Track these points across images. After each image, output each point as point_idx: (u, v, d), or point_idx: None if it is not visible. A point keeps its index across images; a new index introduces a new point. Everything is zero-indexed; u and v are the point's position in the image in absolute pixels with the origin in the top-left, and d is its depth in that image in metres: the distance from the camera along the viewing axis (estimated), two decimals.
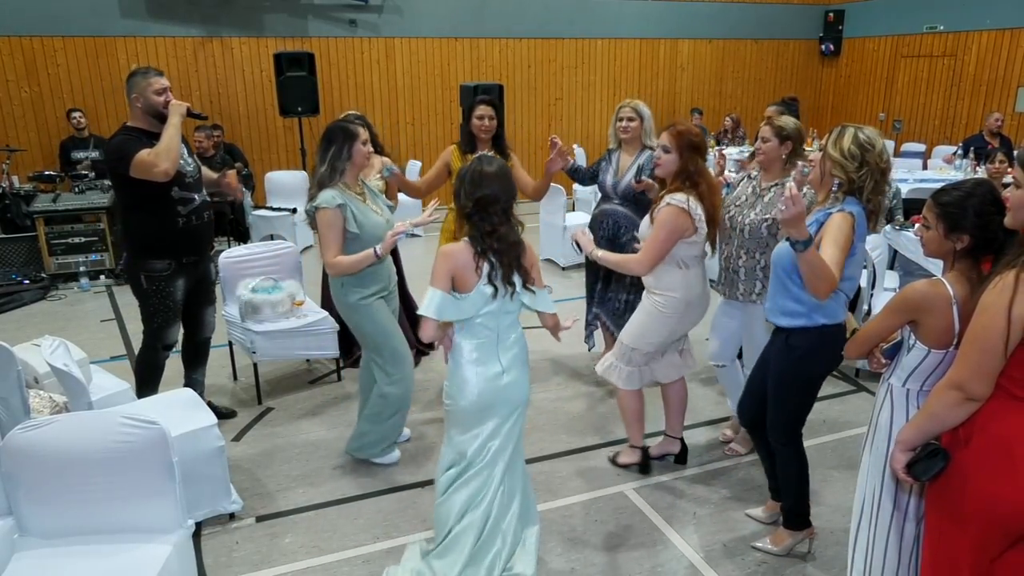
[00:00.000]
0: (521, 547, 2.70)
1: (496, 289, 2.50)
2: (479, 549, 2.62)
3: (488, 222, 2.49)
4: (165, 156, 3.37)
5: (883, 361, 2.26)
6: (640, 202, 3.88)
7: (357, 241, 3.29)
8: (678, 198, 3.03)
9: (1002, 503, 1.82)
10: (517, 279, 2.55)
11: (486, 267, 2.50)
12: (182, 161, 3.56)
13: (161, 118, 3.48)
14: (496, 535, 2.64)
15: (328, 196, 3.22)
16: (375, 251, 3.24)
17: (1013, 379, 1.81)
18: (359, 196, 3.37)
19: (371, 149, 3.42)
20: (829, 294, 2.49)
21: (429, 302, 2.47)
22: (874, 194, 2.55)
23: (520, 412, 2.70)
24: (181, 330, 3.87)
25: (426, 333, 2.50)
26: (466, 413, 2.61)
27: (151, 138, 3.45)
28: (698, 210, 3.03)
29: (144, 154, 3.36)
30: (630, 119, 4.06)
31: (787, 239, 2.39)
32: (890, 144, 9.57)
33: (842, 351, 2.72)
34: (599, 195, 4.36)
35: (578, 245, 3.25)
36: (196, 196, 3.65)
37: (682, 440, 3.66)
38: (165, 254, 3.60)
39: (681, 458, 3.66)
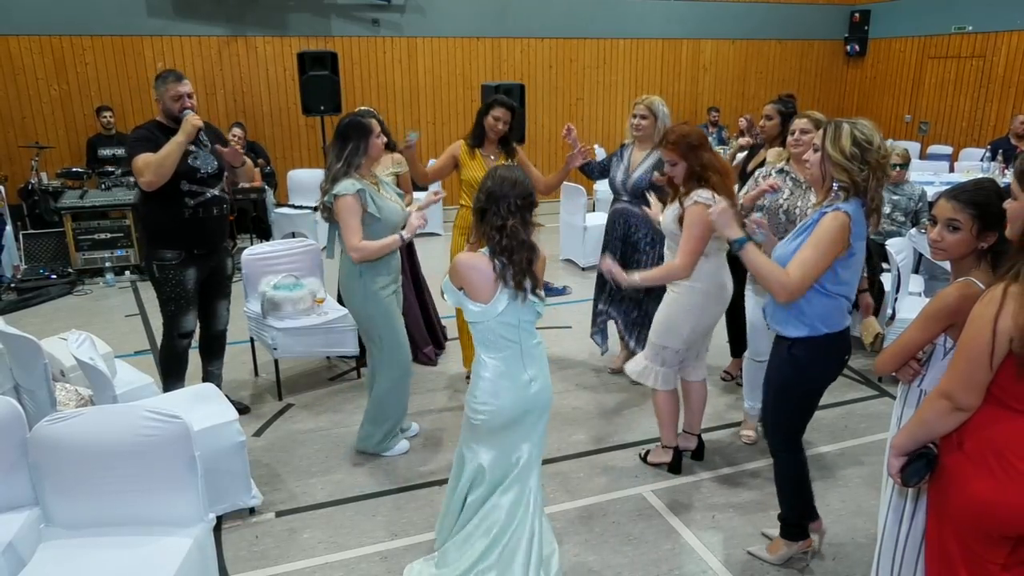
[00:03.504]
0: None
1: (514, 293, 2.42)
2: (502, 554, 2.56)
3: (498, 216, 2.40)
4: (154, 169, 3.47)
5: (922, 371, 2.17)
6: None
7: (378, 224, 3.37)
8: (704, 196, 3.05)
9: (996, 507, 1.84)
10: (528, 283, 2.45)
11: (500, 269, 2.41)
12: (199, 161, 3.66)
13: (177, 121, 3.58)
14: (522, 539, 2.57)
15: (346, 184, 3.30)
16: (400, 235, 3.34)
17: (1003, 388, 1.84)
18: (373, 186, 3.46)
19: (384, 140, 3.51)
20: (788, 298, 2.43)
21: (471, 309, 2.47)
22: (876, 191, 2.46)
23: (547, 415, 2.66)
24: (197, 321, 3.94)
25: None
26: (496, 429, 2.54)
27: (168, 134, 3.56)
28: (721, 203, 3.03)
29: (139, 160, 3.48)
30: (643, 116, 4.07)
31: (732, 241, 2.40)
32: (916, 146, 9.45)
33: (845, 357, 2.69)
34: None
35: (615, 280, 3.18)
36: (208, 191, 3.72)
37: (699, 436, 3.66)
38: (175, 244, 3.70)
39: (698, 454, 3.67)
